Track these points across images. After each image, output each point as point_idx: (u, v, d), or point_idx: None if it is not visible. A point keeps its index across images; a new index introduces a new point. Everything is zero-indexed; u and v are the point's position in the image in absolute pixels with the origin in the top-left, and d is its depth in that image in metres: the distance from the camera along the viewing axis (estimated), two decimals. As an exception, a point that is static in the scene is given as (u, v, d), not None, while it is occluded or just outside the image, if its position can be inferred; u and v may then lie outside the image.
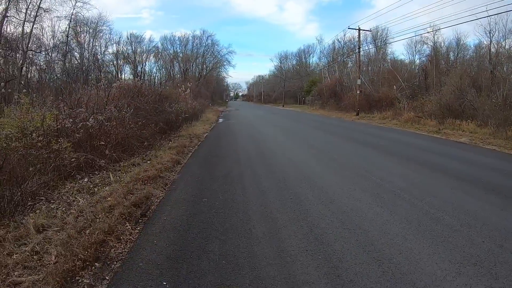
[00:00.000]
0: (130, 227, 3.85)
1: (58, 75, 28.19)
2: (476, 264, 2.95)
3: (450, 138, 12.31)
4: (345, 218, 4.02)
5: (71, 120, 6.20)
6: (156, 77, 45.69)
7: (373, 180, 5.85)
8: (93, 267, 2.95)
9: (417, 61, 33.70)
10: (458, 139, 11.84)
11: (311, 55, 63.32)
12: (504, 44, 21.52)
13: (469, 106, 15.55)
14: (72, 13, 30.14)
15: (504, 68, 18.98)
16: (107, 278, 2.81)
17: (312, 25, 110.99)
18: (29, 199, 4.51)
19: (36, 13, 24.81)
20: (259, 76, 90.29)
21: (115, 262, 3.06)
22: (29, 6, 24.36)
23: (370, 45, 36.15)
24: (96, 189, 5.22)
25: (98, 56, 36.28)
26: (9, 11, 23.15)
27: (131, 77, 35.71)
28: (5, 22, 22.88)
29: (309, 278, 2.71)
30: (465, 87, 16.45)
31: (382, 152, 8.98)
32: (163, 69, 48.51)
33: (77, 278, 2.77)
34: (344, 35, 43.62)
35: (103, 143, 6.35)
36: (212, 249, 3.23)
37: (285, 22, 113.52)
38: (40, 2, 24.83)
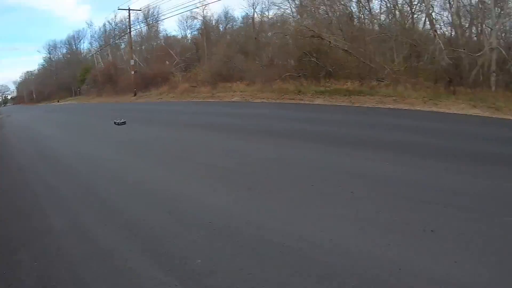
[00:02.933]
0: None
1: None
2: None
3: (224, 99, 13.95)
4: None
5: None
6: None
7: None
8: None
9: (189, 36, 35.45)
10: (231, 99, 13.55)
11: (82, 41, 55.97)
12: (268, 14, 25.55)
13: (238, 69, 17.85)
14: None
15: (268, 34, 22.56)
16: None
17: (83, 8, 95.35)
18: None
19: None
20: (28, 72, 71.83)
21: None
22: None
23: (142, 24, 35.20)
24: None
25: None
26: None
27: None
28: None
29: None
30: (233, 53, 18.68)
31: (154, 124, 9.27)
32: None
33: None
34: (115, 16, 40.54)
35: None
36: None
37: (54, 6, 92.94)
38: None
